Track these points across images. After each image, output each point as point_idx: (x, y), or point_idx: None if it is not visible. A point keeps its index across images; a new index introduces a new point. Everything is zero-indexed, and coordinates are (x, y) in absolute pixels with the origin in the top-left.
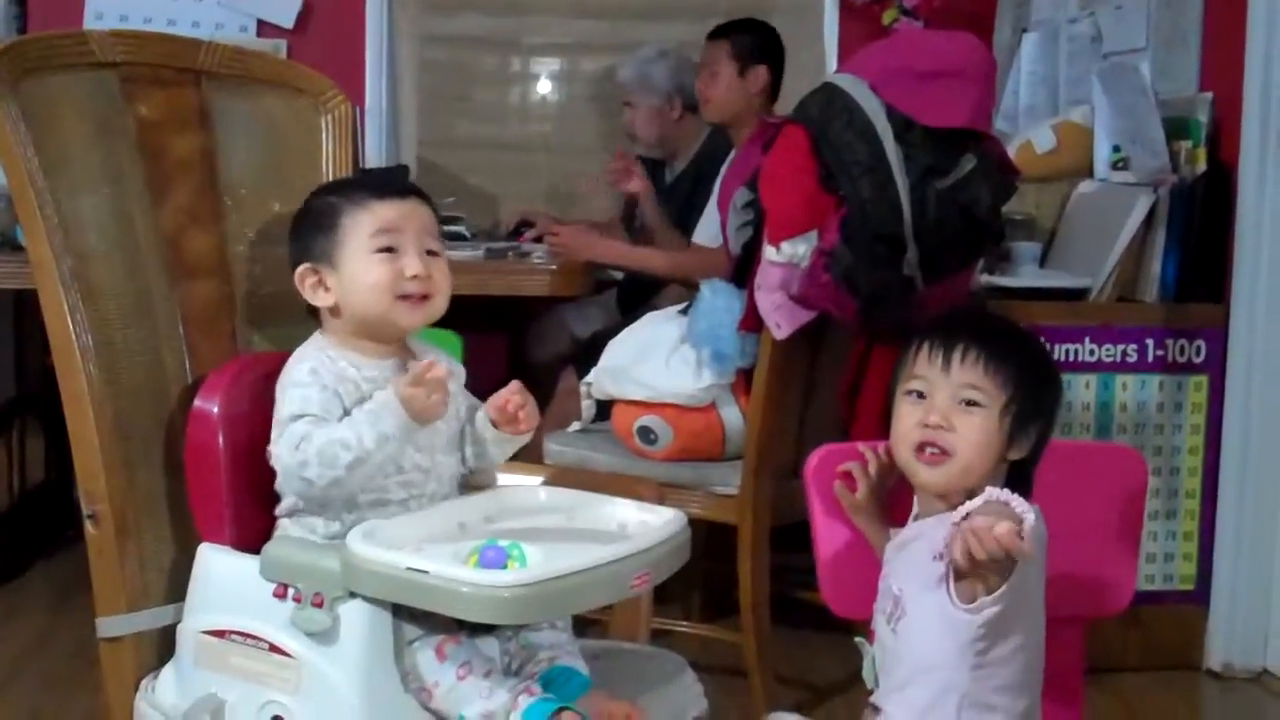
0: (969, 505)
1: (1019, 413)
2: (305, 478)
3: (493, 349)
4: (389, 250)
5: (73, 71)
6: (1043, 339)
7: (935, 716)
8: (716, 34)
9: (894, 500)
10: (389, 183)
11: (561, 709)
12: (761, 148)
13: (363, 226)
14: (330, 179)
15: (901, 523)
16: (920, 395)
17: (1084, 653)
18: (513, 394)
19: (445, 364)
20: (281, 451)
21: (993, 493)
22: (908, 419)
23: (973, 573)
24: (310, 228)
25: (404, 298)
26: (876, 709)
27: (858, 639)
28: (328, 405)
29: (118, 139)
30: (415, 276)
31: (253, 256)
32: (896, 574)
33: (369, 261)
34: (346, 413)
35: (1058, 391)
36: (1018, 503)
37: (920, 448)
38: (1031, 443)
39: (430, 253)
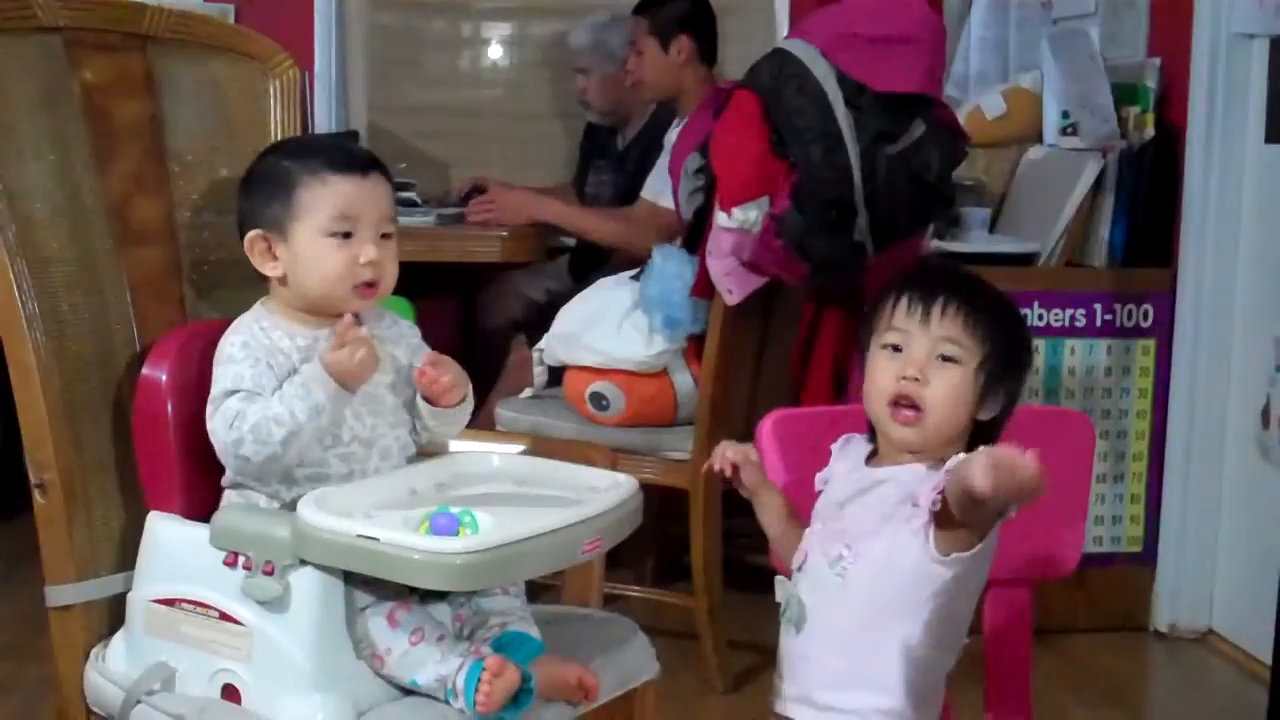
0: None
1: (993, 371)
2: (241, 455)
3: (444, 315)
4: (345, 235)
5: (16, 35)
6: None
7: (876, 666)
8: (636, 10)
9: (819, 445)
10: (351, 157)
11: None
12: (713, 114)
13: (320, 205)
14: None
15: (819, 468)
16: (897, 349)
17: (1032, 614)
18: (427, 366)
19: (391, 327)
20: (217, 428)
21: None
22: (884, 373)
23: (973, 511)
24: (262, 191)
25: (354, 286)
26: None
27: (778, 577)
28: (259, 379)
29: (62, 105)
30: (370, 263)
31: (200, 223)
32: (854, 517)
33: (323, 246)
34: (279, 385)
35: (1029, 352)
36: None
37: (895, 402)
38: (1000, 403)
39: (384, 235)
